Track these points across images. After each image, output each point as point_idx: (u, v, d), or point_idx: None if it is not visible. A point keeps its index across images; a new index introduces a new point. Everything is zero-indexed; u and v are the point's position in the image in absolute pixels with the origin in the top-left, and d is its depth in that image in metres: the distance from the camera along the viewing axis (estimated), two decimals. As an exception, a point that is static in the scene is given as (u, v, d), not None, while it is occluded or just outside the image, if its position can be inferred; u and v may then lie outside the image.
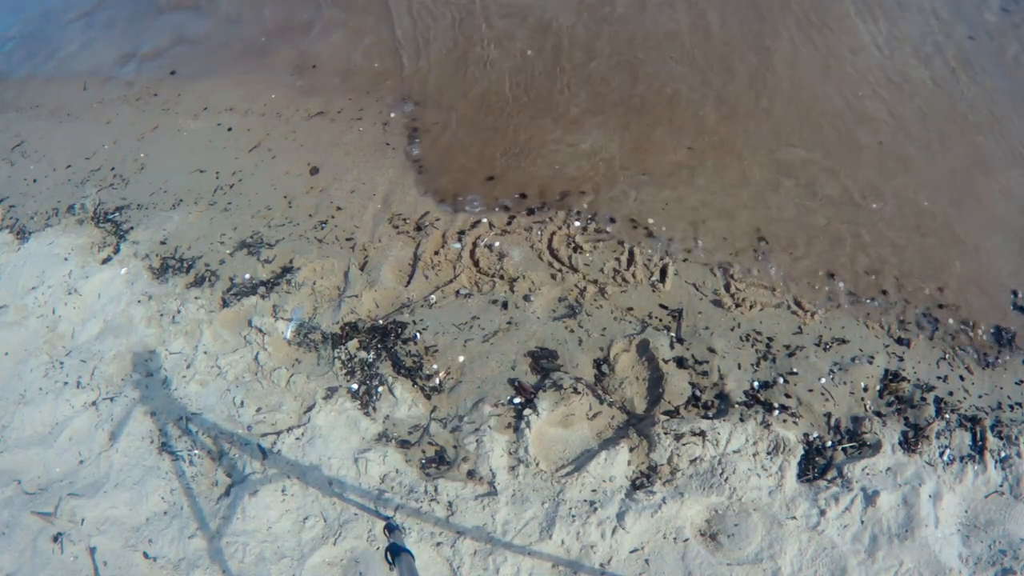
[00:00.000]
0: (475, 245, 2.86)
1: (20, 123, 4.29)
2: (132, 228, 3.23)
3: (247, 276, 2.88)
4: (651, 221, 2.88)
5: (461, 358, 2.50)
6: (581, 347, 2.48)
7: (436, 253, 2.85)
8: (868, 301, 2.55)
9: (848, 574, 1.91)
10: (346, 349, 2.54)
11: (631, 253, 2.77)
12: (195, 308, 2.78)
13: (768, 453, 2.15)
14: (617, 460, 2.15)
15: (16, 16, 5.66)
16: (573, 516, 2.04)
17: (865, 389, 2.32)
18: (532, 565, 1.98)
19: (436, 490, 2.13)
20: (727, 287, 2.63)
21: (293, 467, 2.23)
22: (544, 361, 2.45)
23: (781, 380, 2.34)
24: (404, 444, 2.28)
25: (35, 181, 3.74)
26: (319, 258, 2.89)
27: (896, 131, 3.19)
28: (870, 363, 2.37)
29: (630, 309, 2.59)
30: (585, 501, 2.08)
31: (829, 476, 2.11)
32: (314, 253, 2.92)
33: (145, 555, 2.13)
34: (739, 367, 2.39)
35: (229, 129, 3.71)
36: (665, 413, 2.25)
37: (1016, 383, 2.35)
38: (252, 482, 2.20)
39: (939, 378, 2.35)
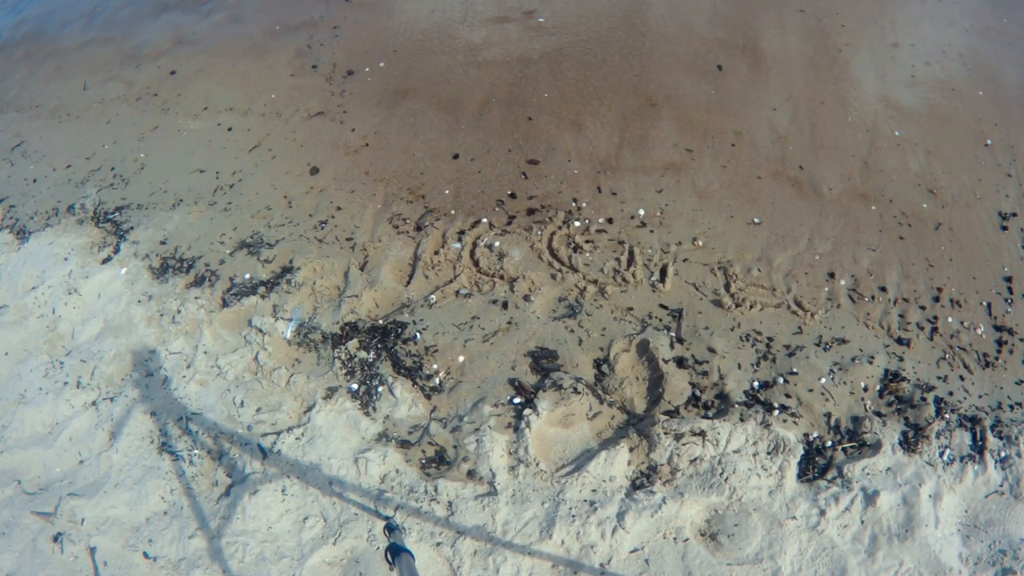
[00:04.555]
0: (475, 245, 2.86)
1: (20, 123, 4.30)
2: (132, 228, 3.24)
3: (247, 276, 2.88)
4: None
5: (461, 358, 2.49)
6: (581, 347, 2.48)
7: (436, 253, 2.85)
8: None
9: (848, 574, 1.91)
10: (346, 349, 2.54)
11: (631, 253, 2.76)
12: (195, 308, 2.78)
13: (768, 453, 2.14)
14: (617, 460, 2.15)
15: (16, 16, 5.67)
16: (573, 516, 2.04)
17: (865, 389, 2.32)
18: (532, 565, 1.98)
19: (436, 490, 2.13)
20: (727, 287, 2.63)
21: (293, 467, 2.23)
22: (544, 361, 2.45)
23: (781, 380, 2.34)
24: (404, 444, 2.28)
25: (35, 181, 3.74)
26: (319, 258, 2.89)
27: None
28: (870, 363, 2.37)
29: (630, 309, 2.59)
30: (585, 501, 2.07)
31: (829, 476, 2.11)
32: (314, 253, 2.92)
33: (145, 555, 2.13)
34: (739, 367, 2.38)
35: (229, 129, 3.71)
36: (665, 413, 2.25)
37: (1016, 383, 2.35)
38: (252, 482, 2.20)
39: (939, 378, 2.35)
